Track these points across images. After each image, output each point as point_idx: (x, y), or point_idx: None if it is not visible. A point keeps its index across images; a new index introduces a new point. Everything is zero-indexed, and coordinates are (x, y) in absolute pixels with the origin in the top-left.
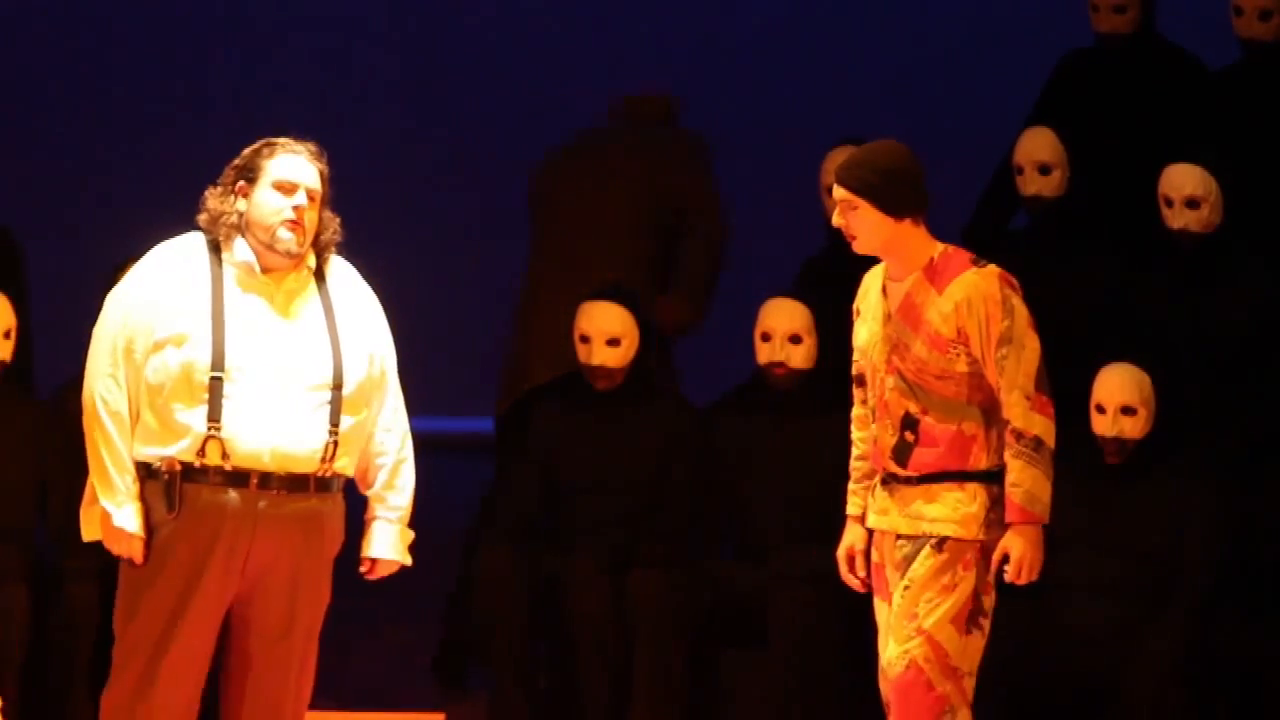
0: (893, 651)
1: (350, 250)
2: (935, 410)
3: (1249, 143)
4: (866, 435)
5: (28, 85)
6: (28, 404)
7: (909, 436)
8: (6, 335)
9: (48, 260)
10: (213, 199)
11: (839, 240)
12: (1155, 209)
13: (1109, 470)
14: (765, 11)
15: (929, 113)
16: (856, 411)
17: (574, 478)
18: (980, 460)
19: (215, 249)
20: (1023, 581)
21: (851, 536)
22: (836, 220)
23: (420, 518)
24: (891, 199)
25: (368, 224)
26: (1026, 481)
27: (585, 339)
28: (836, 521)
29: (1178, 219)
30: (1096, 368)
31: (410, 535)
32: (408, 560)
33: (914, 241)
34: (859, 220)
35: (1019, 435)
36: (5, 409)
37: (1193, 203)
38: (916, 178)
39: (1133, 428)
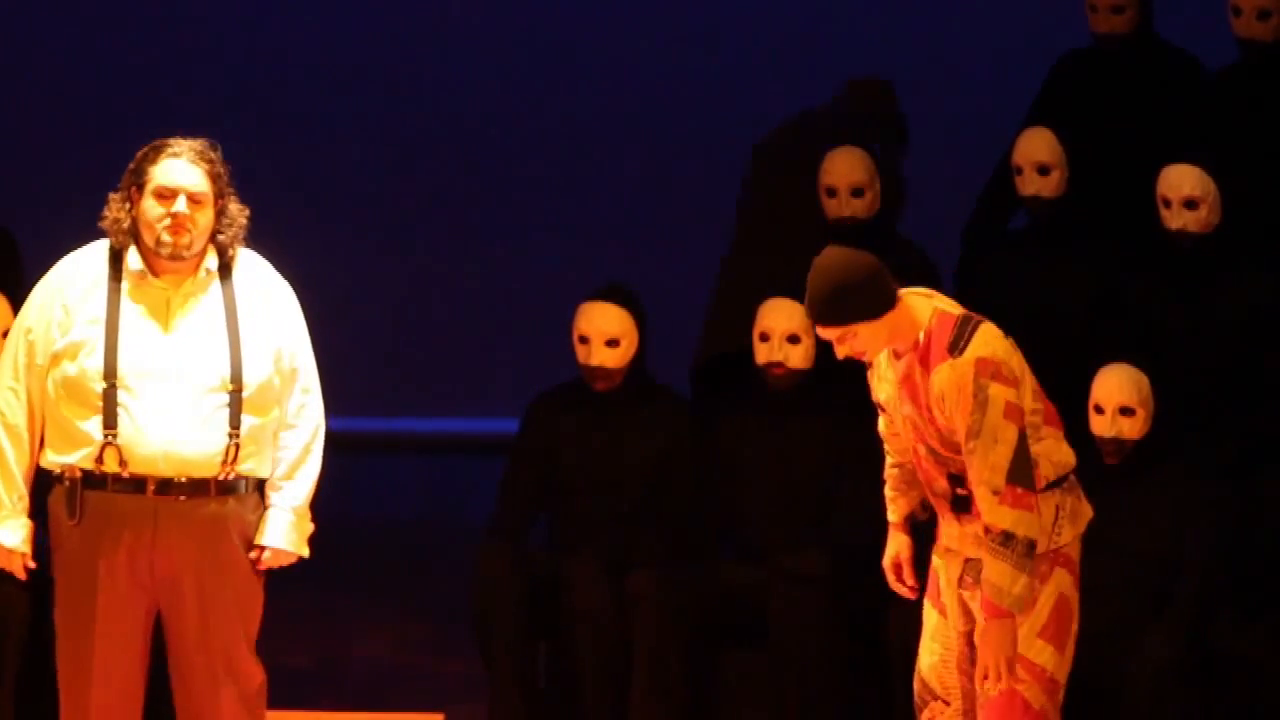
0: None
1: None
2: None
3: (1247, 143)
4: (894, 446)
5: (27, 85)
6: None
7: (960, 490)
8: (5, 335)
9: (47, 261)
10: (112, 205)
11: (839, 241)
12: (1154, 209)
13: (1107, 471)
14: (764, 10)
15: (927, 112)
16: (881, 426)
17: (573, 478)
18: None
19: (116, 256)
20: (993, 688)
21: (895, 545)
22: (841, 354)
23: (419, 518)
24: (872, 304)
25: (370, 222)
26: (993, 575)
27: (584, 339)
28: (835, 521)
29: (1176, 219)
30: (1095, 368)
31: (310, 527)
32: (303, 551)
33: (906, 321)
34: (861, 341)
35: (987, 530)
36: None
37: (1191, 203)
38: (872, 267)
39: (1131, 428)
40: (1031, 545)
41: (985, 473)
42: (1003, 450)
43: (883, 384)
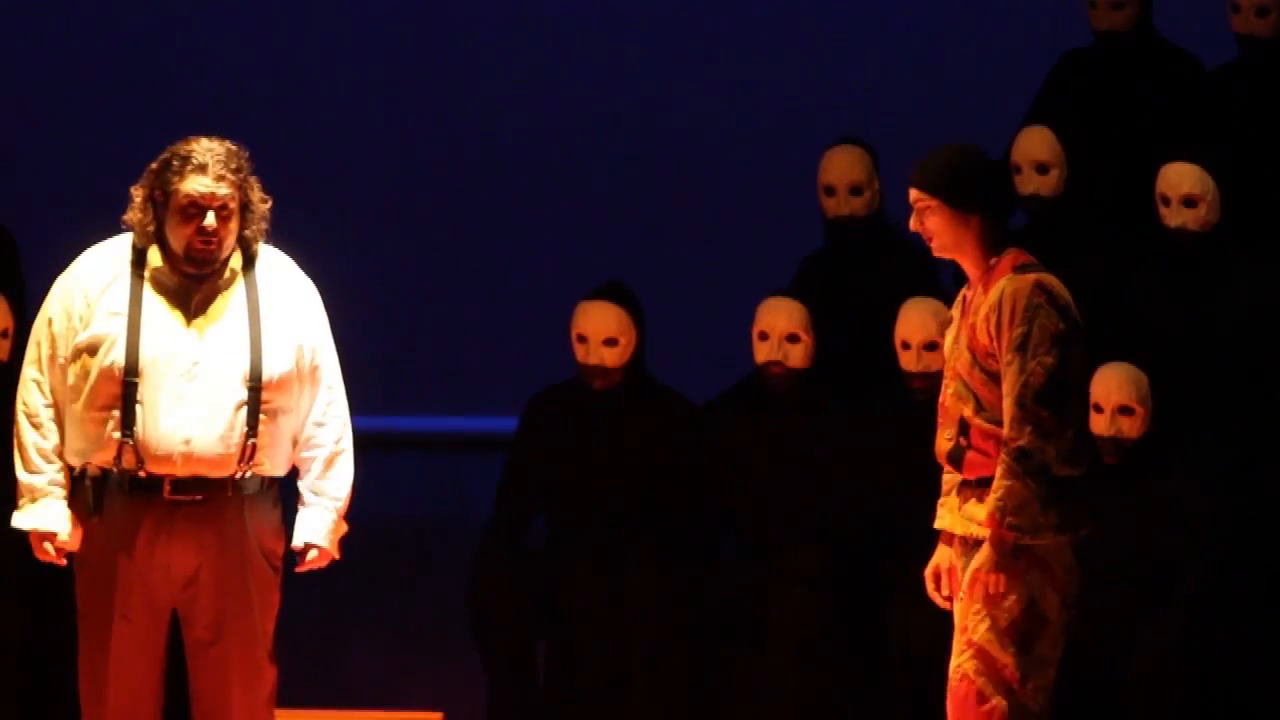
0: (950, 664)
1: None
2: (985, 413)
3: (1246, 140)
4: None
5: (27, 85)
6: None
7: (962, 441)
8: (4, 335)
9: (47, 261)
10: (135, 204)
11: (838, 239)
12: (1153, 207)
13: (1106, 470)
14: (762, 9)
15: (927, 111)
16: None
17: (572, 477)
18: None
19: (139, 251)
20: (971, 600)
21: (940, 554)
22: (914, 224)
23: (419, 518)
24: (958, 195)
25: (374, 222)
26: (1000, 491)
27: (582, 339)
28: (835, 521)
29: (1175, 217)
30: (1094, 367)
31: (344, 528)
32: (335, 554)
33: (982, 242)
34: (931, 219)
35: (1006, 443)
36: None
37: (1190, 201)
38: (986, 175)
39: (1130, 427)
40: (1046, 470)
41: (1018, 387)
42: (1037, 370)
43: (952, 331)
